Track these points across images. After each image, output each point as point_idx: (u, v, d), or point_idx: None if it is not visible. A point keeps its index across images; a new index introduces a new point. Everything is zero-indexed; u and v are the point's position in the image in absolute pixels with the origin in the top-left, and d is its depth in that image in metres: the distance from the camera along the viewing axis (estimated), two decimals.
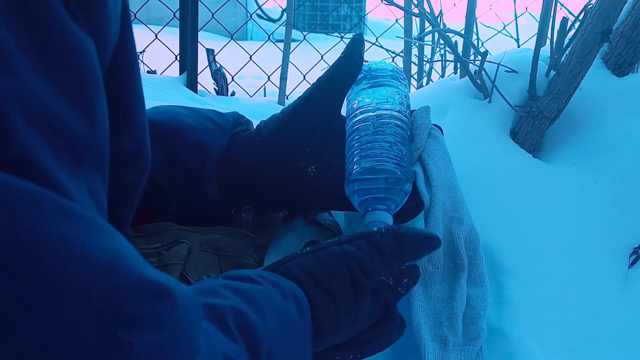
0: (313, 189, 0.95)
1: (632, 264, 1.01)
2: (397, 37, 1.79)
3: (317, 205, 1.03)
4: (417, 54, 2.27)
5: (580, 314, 0.96)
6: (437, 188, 0.92)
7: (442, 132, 1.01)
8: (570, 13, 1.53)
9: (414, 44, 2.16)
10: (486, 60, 1.25)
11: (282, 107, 1.52)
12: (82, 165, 0.39)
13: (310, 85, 0.98)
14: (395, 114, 0.94)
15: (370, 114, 0.93)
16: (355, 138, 0.92)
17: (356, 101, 0.97)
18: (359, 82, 0.99)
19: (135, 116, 0.53)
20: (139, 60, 2.26)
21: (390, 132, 0.91)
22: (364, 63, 0.97)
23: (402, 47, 2.09)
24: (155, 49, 2.20)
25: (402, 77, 1.00)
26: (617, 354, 0.92)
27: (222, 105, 1.82)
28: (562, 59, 1.17)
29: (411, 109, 1.00)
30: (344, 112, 0.99)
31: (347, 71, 0.96)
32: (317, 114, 0.95)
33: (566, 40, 1.19)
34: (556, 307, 0.96)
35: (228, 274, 0.58)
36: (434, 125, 1.00)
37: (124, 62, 0.49)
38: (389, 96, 0.96)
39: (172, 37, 2.10)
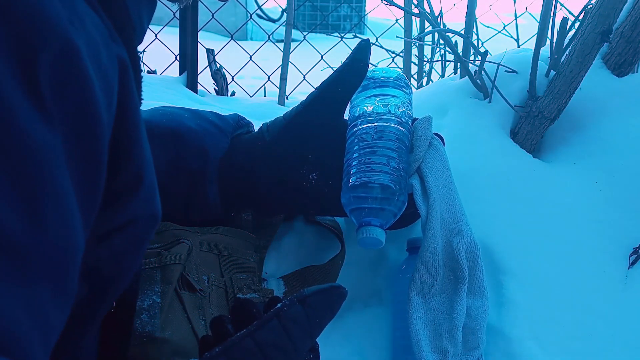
0: (313, 196, 0.95)
1: (632, 264, 1.02)
2: (397, 37, 1.79)
3: (317, 211, 1.03)
4: (417, 54, 2.27)
5: (580, 314, 0.96)
6: (435, 200, 0.92)
7: (444, 142, 1.01)
8: (570, 13, 1.53)
9: (414, 44, 2.16)
10: (486, 60, 1.25)
11: (282, 107, 1.50)
12: (19, 276, 0.35)
13: (313, 89, 0.97)
14: (394, 126, 0.94)
15: (371, 124, 0.93)
16: (354, 149, 0.92)
17: (358, 108, 0.97)
18: (362, 87, 0.99)
19: (144, 180, 0.51)
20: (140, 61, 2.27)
21: (389, 146, 0.91)
22: (369, 67, 0.97)
23: (402, 47, 2.09)
24: (155, 49, 2.19)
25: (405, 84, 1.00)
26: (617, 355, 0.92)
27: (222, 106, 1.82)
28: (562, 59, 1.17)
29: (413, 118, 1.00)
30: (347, 115, 0.99)
31: (351, 77, 0.95)
32: (320, 120, 0.95)
33: (566, 40, 1.19)
34: (556, 307, 0.96)
35: None
36: (435, 134, 1.00)
37: (129, 130, 0.48)
38: (391, 106, 0.96)
39: (172, 37, 2.10)
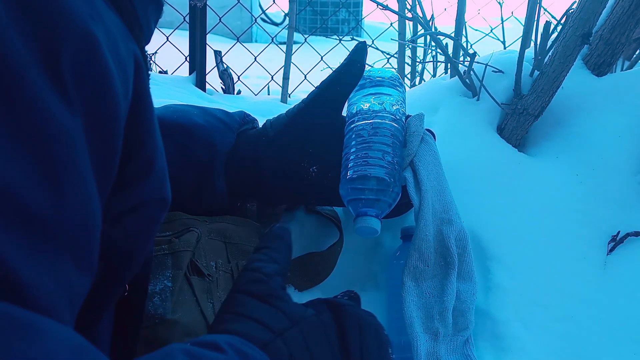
0: (314, 188, 0.95)
1: (611, 250, 1.01)
2: (391, 39, 1.79)
3: (317, 202, 1.03)
4: (410, 55, 2.27)
5: (562, 298, 0.96)
6: (427, 192, 0.91)
7: (435, 137, 1.01)
8: (553, 17, 1.52)
9: (408, 46, 2.15)
10: (475, 61, 1.25)
11: (285, 104, 1.50)
12: (45, 249, 0.35)
13: (314, 88, 0.97)
14: (389, 122, 0.93)
15: (367, 121, 0.93)
16: (352, 144, 0.92)
17: (355, 106, 0.97)
18: (359, 86, 0.98)
19: (155, 165, 0.51)
20: (152, 62, 2.26)
21: (384, 141, 0.91)
22: (365, 68, 0.97)
23: (397, 49, 2.08)
24: (167, 51, 2.19)
25: (399, 83, 1.00)
26: (596, 335, 0.92)
27: (229, 103, 1.82)
28: (546, 60, 1.16)
29: (406, 114, 0.99)
30: (345, 112, 0.99)
31: (348, 77, 0.95)
32: (320, 117, 0.95)
33: (549, 43, 1.18)
34: (540, 291, 0.96)
35: (196, 340, 0.49)
36: (427, 130, 1.00)
37: (142, 119, 0.48)
38: (386, 104, 0.95)
39: (182, 40, 2.10)
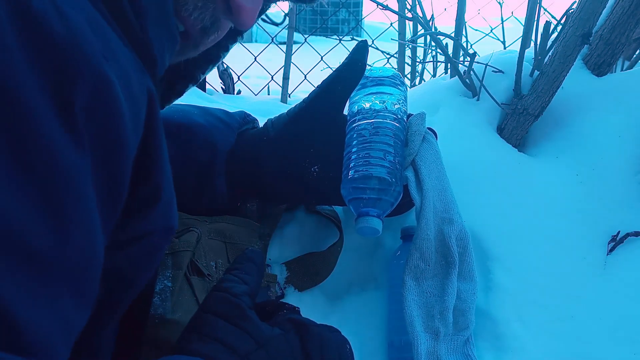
0: (315, 187, 0.95)
1: (611, 250, 1.01)
2: (391, 39, 1.79)
3: (318, 201, 1.03)
4: (410, 55, 2.27)
5: (562, 298, 0.96)
6: (428, 191, 0.91)
7: (436, 136, 1.01)
8: (553, 17, 1.52)
9: (408, 46, 2.15)
10: (475, 61, 1.25)
11: (285, 104, 1.49)
12: (45, 287, 0.36)
13: (314, 88, 0.97)
14: (390, 122, 0.93)
15: (368, 121, 0.93)
16: (353, 143, 0.92)
17: (356, 105, 0.96)
18: (361, 85, 0.98)
19: (162, 195, 0.52)
20: None
21: (385, 141, 0.91)
22: (366, 67, 0.96)
23: (397, 49, 2.08)
24: None
25: (400, 82, 1.00)
26: (595, 335, 0.92)
27: (229, 103, 1.82)
28: (546, 60, 1.16)
29: (408, 114, 0.99)
30: (346, 111, 0.99)
31: (350, 76, 0.95)
32: (321, 116, 0.95)
33: (549, 43, 1.18)
34: (540, 291, 0.96)
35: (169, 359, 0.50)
36: (429, 129, 1.00)
37: (151, 151, 0.48)
38: (387, 103, 0.95)
39: None
